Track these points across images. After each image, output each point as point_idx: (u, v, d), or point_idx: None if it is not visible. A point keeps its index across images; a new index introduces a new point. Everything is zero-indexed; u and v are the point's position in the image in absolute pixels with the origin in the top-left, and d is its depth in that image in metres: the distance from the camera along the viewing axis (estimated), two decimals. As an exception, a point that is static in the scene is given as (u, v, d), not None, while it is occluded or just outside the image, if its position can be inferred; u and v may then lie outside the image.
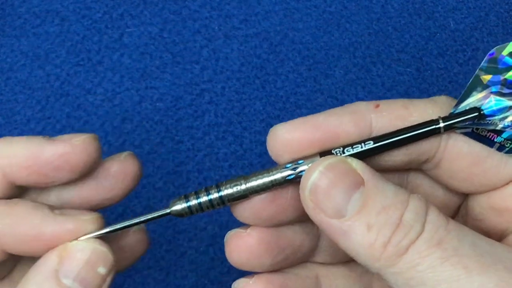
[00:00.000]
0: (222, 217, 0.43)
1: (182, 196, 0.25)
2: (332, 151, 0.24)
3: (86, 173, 0.25)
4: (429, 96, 0.26)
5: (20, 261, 0.27)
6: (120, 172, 0.26)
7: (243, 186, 0.25)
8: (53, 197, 0.26)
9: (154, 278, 0.42)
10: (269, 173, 0.25)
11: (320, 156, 0.24)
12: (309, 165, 0.24)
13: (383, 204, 0.22)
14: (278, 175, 0.25)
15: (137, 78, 0.46)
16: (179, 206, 0.25)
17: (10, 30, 0.46)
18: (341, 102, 0.47)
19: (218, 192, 0.25)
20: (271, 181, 0.25)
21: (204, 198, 0.25)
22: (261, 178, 0.25)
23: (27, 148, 0.24)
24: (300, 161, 0.25)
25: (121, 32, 0.47)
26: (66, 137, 0.25)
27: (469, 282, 0.21)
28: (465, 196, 0.28)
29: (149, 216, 0.25)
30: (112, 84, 0.45)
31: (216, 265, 0.43)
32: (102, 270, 0.23)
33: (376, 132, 0.25)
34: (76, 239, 0.24)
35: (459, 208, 0.29)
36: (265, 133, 0.49)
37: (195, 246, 0.43)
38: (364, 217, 0.22)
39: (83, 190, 0.26)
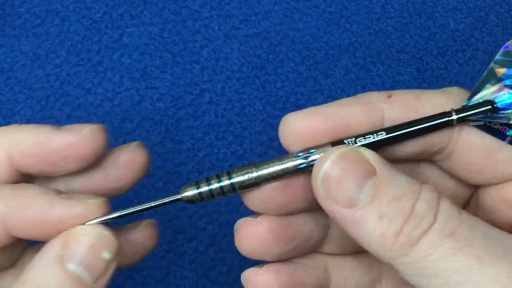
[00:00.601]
0: (222, 217, 0.43)
1: (194, 183, 0.25)
2: (344, 141, 0.24)
3: (94, 163, 0.25)
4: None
5: (27, 250, 0.27)
6: (128, 162, 0.26)
7: (254, 174, 0.25)
8: (61, 186, 0.26)
9: (154, 278, 0.42)
10: (280, 161, 0.25)
11: (332, 146, 0.24)
12: (321, 154, 0.24)
13: (395, 194, 0.22)
14: (289, 164, 0.25)
15: (137, 78, 0.46)
16: (190, 192, 0.25)
17: (10, 30, 0.46)
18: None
19: (230, 179, 0.25)
20: (283, 169, 0.25)
21: (215, 185, 0.25)
22: (273, 166, 0.25)
23: (35, 135, 0.24)
24: (312, 150, 0.25)
25: (121, 32, 0.47)
26: (74, 126, 0.25)
27: (482, 273, 0.21)
28: (475, 188, 0.28)
29: (160, 202, 0.24)
30: (112, 84, 0.45)
31: (216, 265, 0.43)
32: (106, 255, 0.23)
33: (388, 123, 0.25)
34: (84, 223, 0.23)
35: (469, 200, 0.29)
36: (265, 133, 0.49)
37: (195, 246, 0.43)
38: (376, 206, 0.22)
39: (91, 180, 0.26)
